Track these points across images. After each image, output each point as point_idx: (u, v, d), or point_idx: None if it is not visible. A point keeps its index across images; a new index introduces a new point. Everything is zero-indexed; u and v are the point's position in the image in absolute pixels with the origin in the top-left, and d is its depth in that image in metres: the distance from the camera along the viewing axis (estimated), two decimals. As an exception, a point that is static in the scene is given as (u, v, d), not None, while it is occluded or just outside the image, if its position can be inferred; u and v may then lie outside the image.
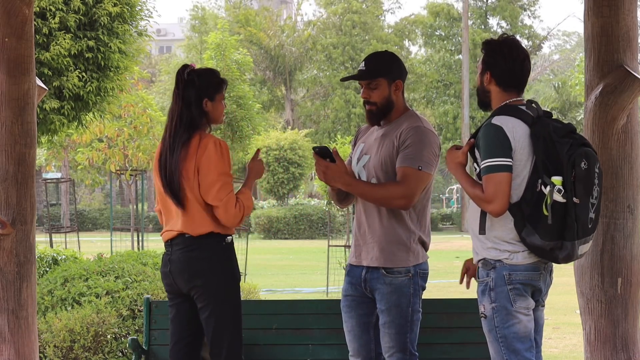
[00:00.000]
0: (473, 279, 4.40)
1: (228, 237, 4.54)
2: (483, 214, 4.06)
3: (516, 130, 3.98)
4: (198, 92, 4.51)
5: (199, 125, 4.52)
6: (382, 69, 4.52)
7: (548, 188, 3.89)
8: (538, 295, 4.10)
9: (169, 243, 4.57)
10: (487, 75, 4.14)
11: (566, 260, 3.96)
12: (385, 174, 4.47)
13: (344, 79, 4.70)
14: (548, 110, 4.20)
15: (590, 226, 3.95)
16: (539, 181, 3.92)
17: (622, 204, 5.15)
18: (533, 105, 4.08)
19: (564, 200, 3.87)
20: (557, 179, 3.88)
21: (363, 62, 4.55)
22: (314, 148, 4.45)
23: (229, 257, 4.54)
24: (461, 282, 4.46)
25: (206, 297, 4.47)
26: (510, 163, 3.94)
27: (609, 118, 5.11)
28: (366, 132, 4.67)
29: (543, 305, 4.19)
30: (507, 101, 4.10)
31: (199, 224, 4.46)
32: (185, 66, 4.56)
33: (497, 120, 4.01)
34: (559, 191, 3.87)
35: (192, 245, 4.48)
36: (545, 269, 4.07)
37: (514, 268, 3.99)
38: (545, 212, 3.88)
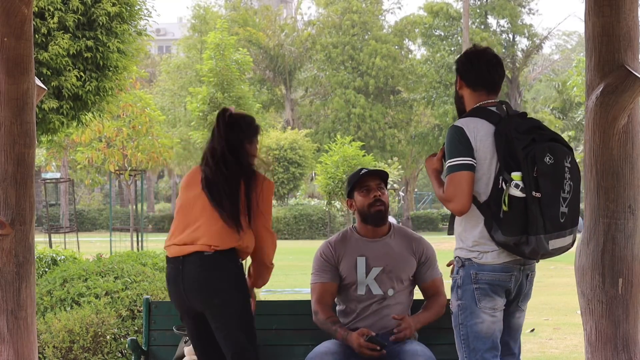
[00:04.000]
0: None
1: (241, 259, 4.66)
2: (453, 216, 4.16)
3: (478, 130, 4.06)
4: (240, 135, 4.65)
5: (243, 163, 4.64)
6: (387, 178, 4.95)
7: (507, 184, 3.96)
8: (509, 295, 4.14)
9: (180, 259, 4.53)
10: (458, 79, 4.28)
11: (533, 254, 4.01)
12: (401, 282, 4.85)
13: (353, 179, 4.92)
14: (522, 111, 4.29)
15: (563, 220, 4.00)
16: (501, 178, 3.99)
17: (623, 204, 5.13)
18: (503, 106, 4.17)
19: (523, 195, 3.93)
20: (516, 175, 3.95)
21: (368, 169, 4.90)
22: (371, 339, 4.66)
23: (243, 275, 4.65)
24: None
25: (223, 317, 4.51)
26: (471, 162, 4.02)
27: (610, 118, 5.10)
28: (349, 247, 4.88)
29: (522, 310, 4.25)
30: (479, 104, 4.18)
31: (228, 239, 4.51)
32: (225, 109, 4.71)
33: (459, 122, 4.12)
34: (517, 186, 3.93)
35: (210, 262, 4.48)
36: (520, 271, 4.12)
37: (481, 267, 4.07)
38: (505, 208, 3.94)
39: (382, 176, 4.91)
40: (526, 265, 4.13)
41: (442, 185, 4.14)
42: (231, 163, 4.58)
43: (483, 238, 4.05)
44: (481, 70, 4.21)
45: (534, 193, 3.91)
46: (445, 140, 4.12)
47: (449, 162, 4.04)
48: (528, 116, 4.20)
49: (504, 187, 3.95)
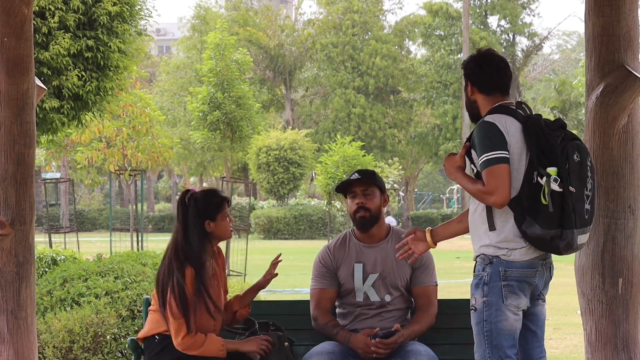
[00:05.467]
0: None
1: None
2: (489, 212, 4.16)
3: (509, 126, 4.11)
4: (198, 215, 4.64)
5: (203, 246, 4.64)
6: (377, 180, 4.81)
7: (544, 179, 4.00)
8: (535, 291, 4.20)
9: None
10: (469, 85, 4.32)
11: (567, 249, 4.06)
12: (397, 289, 4.82)
13: (340, 185, 4.88)
14: (540, 113, 4.33)
15: (587, 217, 4.07)
16: (535, 173, 4.04)
17: (623, 204, 5.14)
18: (523, 105, 4.23)
19: (561, 190, 4.00)
20: (552, 170, 4.01)
21: (356, 173, 4.83)
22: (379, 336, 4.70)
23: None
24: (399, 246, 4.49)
25: None
26: (507, 155, 4.06)
27: (610, 118, 5.11)
28: (348, 253, 4.87)
29: (544, 301, 4.31)
30: (499, 103, 4.23)
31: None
32: (186, 192, 4.72)
33: (489, 117, 4.15)
34: (555, 180, 3.99)
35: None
36: (543, 265, 4.18)
37: (510, 264, 4.11)
38: (544, 202, 3.99)
39: (369, 180, 4.84)
40: (546, 259, 4.19)
41: (475, 181, 4.15)
42: (178, 258, 4.61)
43: (513, 234, 4.09)
44: (492, 75, 4.26)
45: (570, 188, 3.99)
46: (476, 136, 4.13)
47: (485, 156, 4.06)
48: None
49: (540, 181, 4.01)
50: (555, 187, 3.98)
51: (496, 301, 4.10)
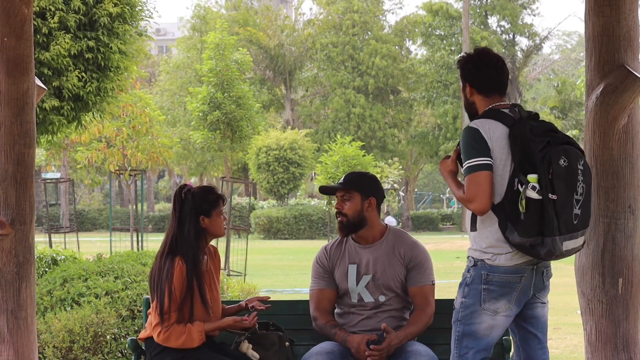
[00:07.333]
0: None
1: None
2: (474, 214, 4.17)
3: (493, 132, 4.08)
4: (194, 210, 4.66)
5: (198, 241, 4.67)
6: (357, 184, 4.83)
7: (523, 186, 3.98)
8: (523, 297, 4.16)
9: None
10: (467, 87, 4.28)
11: (548, 256, 4.03)
12: (391, 290, 4.80)
13: (322, 188, 5.04)
14: (535, 112, 4.31)
15: (576, 222, 4.03)
16: (516, 180, 4.02)
17: (623, 204, 5.14)
18: (516, 108, 4.19)
19: (539, 197, 3.96)
20: (532, 177, 3.98)
21: (343, 176, 4.91)
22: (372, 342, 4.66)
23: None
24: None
25: None
26: (489, 162, 4.05)
27: (610, 118, 5.11)
28: (343, 254, 4.89)
29: (543, 303, 4.28)
30: (491, 105, 4.21)
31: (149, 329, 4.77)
32: (183, 186, 4.75)
33: (474, 123, 4.14)
34: (534, 188, 3.96)
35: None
36: (533, 270, 4.15)
37: (493, 269, 4.10)
38: (521, 209, 3.97)
39: (345, 186, 4.85)
40: (539, 263, 4.16)
41: (460, 186, 4.16)
42: (172, 252, 4.63)
43: (497, 240, 4.08)
44: (491, 75, 4.24)
45: (550, 195, 3.95)
46: (461, 142, 4.13)
47: (467, 163, 4.06)
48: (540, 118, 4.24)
49: (520, 188, 3.98)
50: (533, 194, 3.95)
51: (473, 303, 4.11)
